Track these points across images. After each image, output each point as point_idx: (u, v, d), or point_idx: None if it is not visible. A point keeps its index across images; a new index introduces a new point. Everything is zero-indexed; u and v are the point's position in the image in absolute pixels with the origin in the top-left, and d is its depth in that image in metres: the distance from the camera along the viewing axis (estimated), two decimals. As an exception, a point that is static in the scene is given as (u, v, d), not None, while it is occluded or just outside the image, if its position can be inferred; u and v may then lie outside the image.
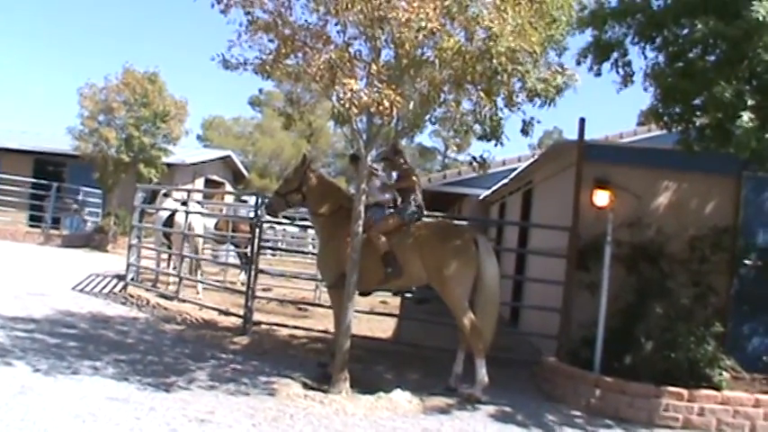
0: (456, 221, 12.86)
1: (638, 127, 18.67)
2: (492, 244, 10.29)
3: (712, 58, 8.06)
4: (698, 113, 8.40)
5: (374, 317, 12.00)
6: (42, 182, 26.60)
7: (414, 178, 9.06)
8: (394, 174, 9.36)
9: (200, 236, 15.04)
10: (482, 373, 8.38)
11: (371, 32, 7.46)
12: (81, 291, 14.17)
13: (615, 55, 8.84)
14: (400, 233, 8.78)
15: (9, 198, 25.77)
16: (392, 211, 9.02)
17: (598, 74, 8.97)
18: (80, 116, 25.03)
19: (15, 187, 25.86)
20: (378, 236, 8.66)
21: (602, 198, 9.05)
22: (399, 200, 9.08)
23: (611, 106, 56.27)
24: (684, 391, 7.99)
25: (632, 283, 9.14)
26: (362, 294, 9.31)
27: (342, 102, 7.11)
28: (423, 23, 6.96)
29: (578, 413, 8.13)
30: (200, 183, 31.72)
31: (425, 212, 9.23)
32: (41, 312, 11.00)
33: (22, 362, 7.76)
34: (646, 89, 8.85)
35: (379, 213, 8.96)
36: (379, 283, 8.99)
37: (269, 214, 10.24)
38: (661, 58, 8.63)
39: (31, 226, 26.49)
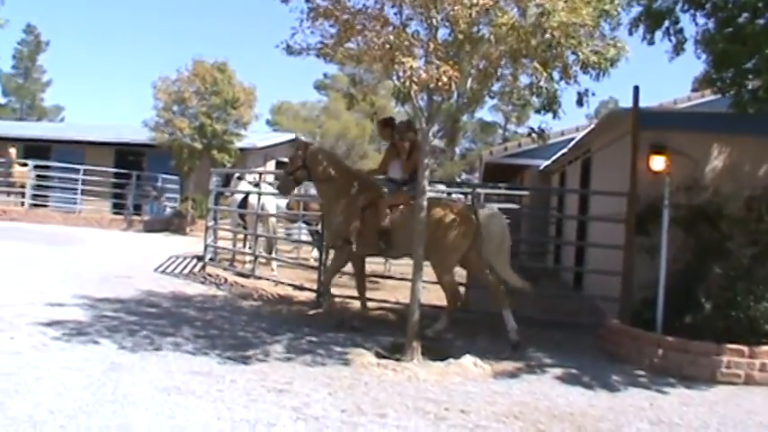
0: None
1: (692, 93, 18.43)
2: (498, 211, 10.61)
3: (762, 21, 8.12)
4: (750, 77, 8.44)
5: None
6: (123, 171, 27.74)
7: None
8: (406, 145, 9.76)
9: (273, 215, 15.46)
10: (445, 324, 9.44)
11: (427, 12, 7.62)
12: (163, 272, 14.72)
13: (666, 23, 8.91)
14: (407, 208, 9.34)
15: (94, 188, 27.02)
16: (404, 188, 9.63)
17: (651, 42, 9.06)
18: (155, 108, 25.93)
19: (99, 177, 27.02)
20: (385, 209, 9.40)
21: (658, 163, 9.04)
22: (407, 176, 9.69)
23: (666, 74, 55.21)
24: (745, 348, 8.07)
25: (691, 245, 9.19)
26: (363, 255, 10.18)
27: (402, 80, 7.32)
28: (475, 0, 7.15)
29: (642, 372, 8.24)
30: (271, 165, 32.26)
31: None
32: (127, 293, 11.47)
33: (109, 340, 8.15)
34: (698, 56, 8.93)
35: (391, 187, 9.71)
36: (377, 251, 9.94)
37: (282, 193, 10.96)
38: (711, 25, 8.69)
39: (115, 213, 27.64)
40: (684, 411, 6.87)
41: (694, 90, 18.55)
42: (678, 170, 9.23)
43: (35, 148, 30.76)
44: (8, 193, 27.63)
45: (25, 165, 27.20)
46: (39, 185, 27.27)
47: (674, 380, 8.01)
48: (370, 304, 10.89)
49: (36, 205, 26.87)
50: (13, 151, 26.81)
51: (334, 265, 10.57)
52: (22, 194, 27.00)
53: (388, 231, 9.45)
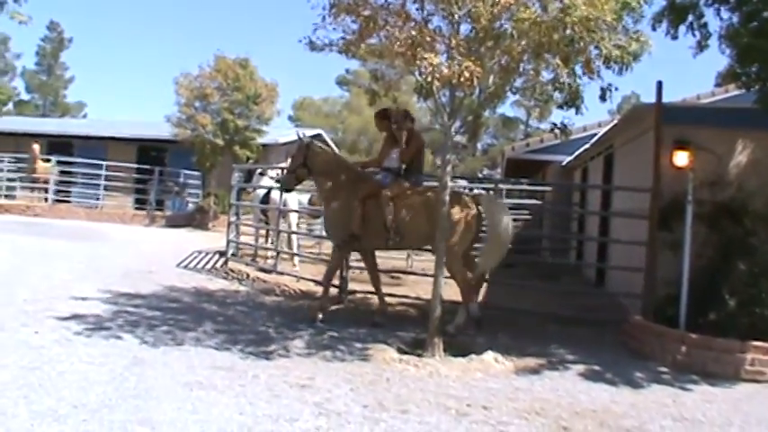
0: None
1: (716, 88, 18.32)
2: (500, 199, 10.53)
3: (788, 16, 8.06)
4: (776, 72, 8.37)
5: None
6: (146, 167, 27.87)
7: (419, 142, 9.96)
8: (403, 134, 9.88)
9: (295, 211, 15.49)
10: (463, 317, 9.36)
11: (448, 8, 7.62)
12: (185, 267, 14.78)
13: (690, 18, 8.81)
14: (410, 196, 9.55)
15: (116, 183, 27.33)
16: (401, 177, 9.78)
17: (675, 37, 8.94)
18: (177, 104, 26.01)
19: (121, 173, 27.35)
20: (387, 202, 9.43)
21: (681, 158, 8.99)
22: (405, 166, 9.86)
23: (689, 70, 54.89)
24: (770, 346, 7.99)
25: (714, 241, 9.12)
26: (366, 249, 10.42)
27: (424, 76, 7.31)
28: (497, -2, 7.11)
29: (665, 369, 8.19)
30: (293, 161, 32.34)
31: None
32: (149, 289, 11.52)
33: (131, 335, 8.17)
34: (722, 51, 8.83)
35: (388, 178, 9.76)
36: (384, 246, 10.01)
37: (284, 190, 11.07)
38: (735, 19, 8.57)
39: (137, 208, 27.87)
40: (707, 408, 6.82)
41: (718, 85, 18.45)
42: (702, 166, 9.17)
43: (58, 144, 31.13)
44: (32, 189, 27.94)
45: (48, 161, 27.44)
46: (62, 181, 27.46)
47: (698, 377, 7.95)
48: (391, 300, 10.89)
49: (59, 201, 27.09)
50: (36, 147, 26.99)
51: (334, 263, 10.54)
52: (46, 190, 27.27)
53: (395, 225, 9.47)
